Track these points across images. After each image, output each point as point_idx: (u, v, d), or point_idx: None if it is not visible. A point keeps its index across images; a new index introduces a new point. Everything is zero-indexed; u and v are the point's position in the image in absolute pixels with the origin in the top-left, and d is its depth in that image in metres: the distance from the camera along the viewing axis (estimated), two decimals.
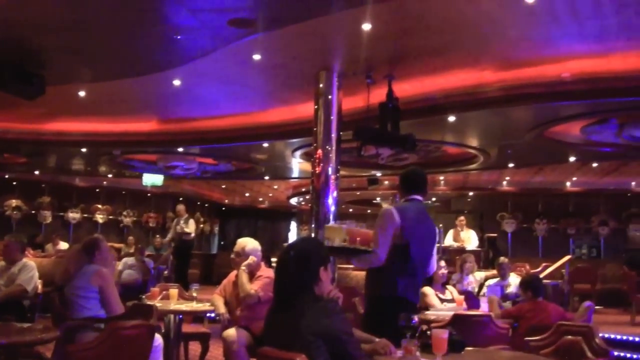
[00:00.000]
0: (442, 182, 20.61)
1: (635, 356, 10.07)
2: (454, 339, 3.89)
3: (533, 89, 9.59)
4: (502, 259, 9.98)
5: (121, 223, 24.98)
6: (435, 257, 5.25)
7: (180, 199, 24.07)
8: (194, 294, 7.37)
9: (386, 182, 19.54)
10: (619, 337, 10.70)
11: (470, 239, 15.59)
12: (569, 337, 5.32)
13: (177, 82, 10.15)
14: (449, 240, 15.79)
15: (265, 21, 7.56)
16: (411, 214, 4.96)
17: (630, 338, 10.67)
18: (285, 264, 3.44)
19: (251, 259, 6.68)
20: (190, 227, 15.57)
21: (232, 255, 6.84)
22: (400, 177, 5.27)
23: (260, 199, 28.48)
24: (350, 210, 26.71)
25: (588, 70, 9.05)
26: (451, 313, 6.84)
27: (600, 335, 10.45)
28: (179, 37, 8.14)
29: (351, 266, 15.70)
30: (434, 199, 24.71)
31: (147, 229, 25.39)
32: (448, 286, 8.35)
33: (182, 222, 15.53)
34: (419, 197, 5.12)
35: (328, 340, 3.18)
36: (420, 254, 4.96)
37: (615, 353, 9.97)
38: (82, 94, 11.04)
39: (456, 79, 9.54)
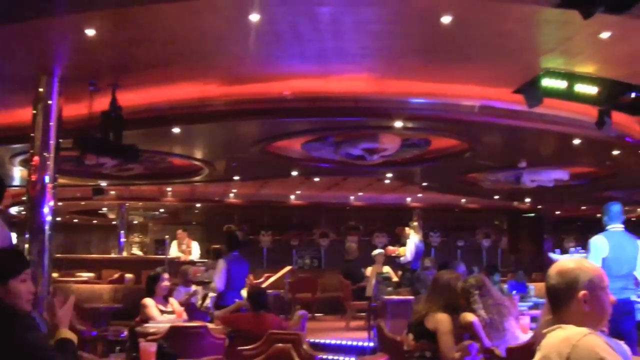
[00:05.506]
0: (169, 193, 20.53)
1: (346, 358, 10.77)
2: (164, 352, 3.90)
3: (256, 105, 9.83)
4: None
5: None
6: None
7: None
8: None
9: (112, 192, 19.10)
10: (333, 342, 11.41)
11: (192, 250, 15.73)
12: (280, 344, 5.54)
13: None
14: (174, 252, 15.80)
15: None
16: None
17: (343, 342, 11.44)
18: None
19: None
20: None
21: None
22: None
23: None
24: (75, 220, 25.74)
25: (308, 89, 9.48)
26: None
27: (317, 341, 11.09)
28: None
29: (72, 279, 15.24)
30: (162, 210, 24.56)
31: None
32: (170, 298, 8.32)
33: None
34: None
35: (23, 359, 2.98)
36: None
37: (331, 357, 10.63)
38: None
39: (181, 91, 9.54)
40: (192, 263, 13.52)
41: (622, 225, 7.39)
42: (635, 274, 7.26)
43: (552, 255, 8.86)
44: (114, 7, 6.77)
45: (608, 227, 7.38)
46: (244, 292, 9.32)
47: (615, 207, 7.45)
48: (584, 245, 7.79)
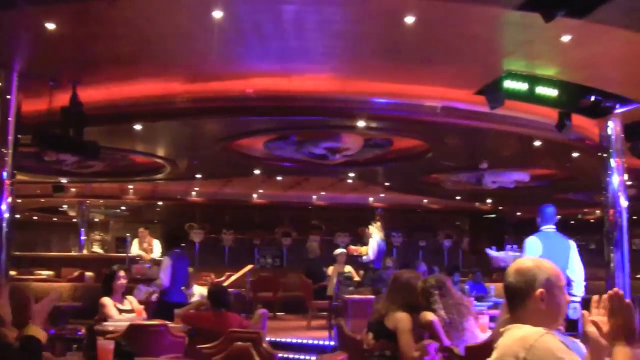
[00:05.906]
0: (131, 191, 20.37)
1: (307, 357, 10.81)
2: (122, 350, 3.86)
3: (219, 103, 9.77)
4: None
5: None
6: None
7: None
8: None
9: (73, 190, 18.90)
10: (293, 341, 11.45)
11: (154, 249, 15.62)
12: (240, 343, 5.52)
13: None
14: (135, 250, 15.68)
15: None
16: None
17: (304, 341, 11.52)
18: None
19: None
20: None
21: None
22: None
23: None
24: (35, 218, 25.40)
25: (270, 88, 9.44)
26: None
27: (278, 340, 11.11)
28: None
29: (32, 277, 15.03)
30: (123, 208, 24.35)
31: None
32: (128, 296, 8.24)
33: None
34: None
35: None
36: None
37: (291, 356, 10.66)
38: None
39: (144, 88, 9.43)
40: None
41: (554, 227, 7.71)
42: (568, 273, 7.44)
43: (489, 251, 9.04)
44: (75, 1, 6.69)
45: (542, 228, 7.71)
46: (203, 290, 9.32)
47: (549, 209, 7.79)
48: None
